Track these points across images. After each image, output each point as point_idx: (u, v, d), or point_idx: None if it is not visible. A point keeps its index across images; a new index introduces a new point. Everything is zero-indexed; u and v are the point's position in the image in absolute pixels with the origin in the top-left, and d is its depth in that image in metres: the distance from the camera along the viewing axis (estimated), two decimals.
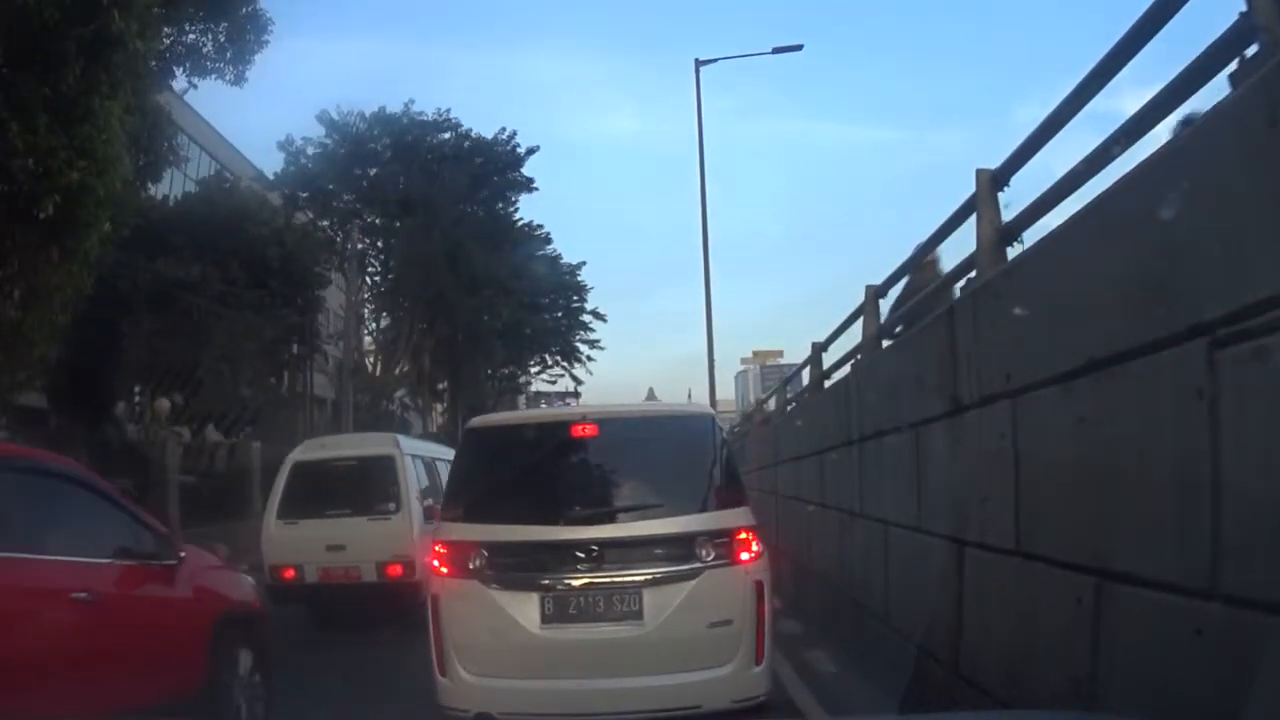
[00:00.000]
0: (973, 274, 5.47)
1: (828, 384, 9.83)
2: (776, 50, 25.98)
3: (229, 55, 17.17)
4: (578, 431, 5.59)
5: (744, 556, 5.27)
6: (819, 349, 10.06)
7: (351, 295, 25.63)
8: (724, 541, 5.25)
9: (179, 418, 22.20)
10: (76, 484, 5.01)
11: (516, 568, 5.24)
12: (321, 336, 25.65)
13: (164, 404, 18.52)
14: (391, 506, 9.74)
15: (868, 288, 7.44)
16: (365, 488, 9.95)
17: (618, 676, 5.09)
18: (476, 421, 6.22)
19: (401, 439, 11.09)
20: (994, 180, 5.35)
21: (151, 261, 20.13)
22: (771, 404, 15.02)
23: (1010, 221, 5.14)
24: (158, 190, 20.95)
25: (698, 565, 5.19)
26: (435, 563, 5.45)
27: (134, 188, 13.69)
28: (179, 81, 18.00)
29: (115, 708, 4.35)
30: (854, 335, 8.99)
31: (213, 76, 17.46)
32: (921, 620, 5.48)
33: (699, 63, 25.23)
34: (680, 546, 5.24)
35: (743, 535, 5.32)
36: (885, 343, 7.29)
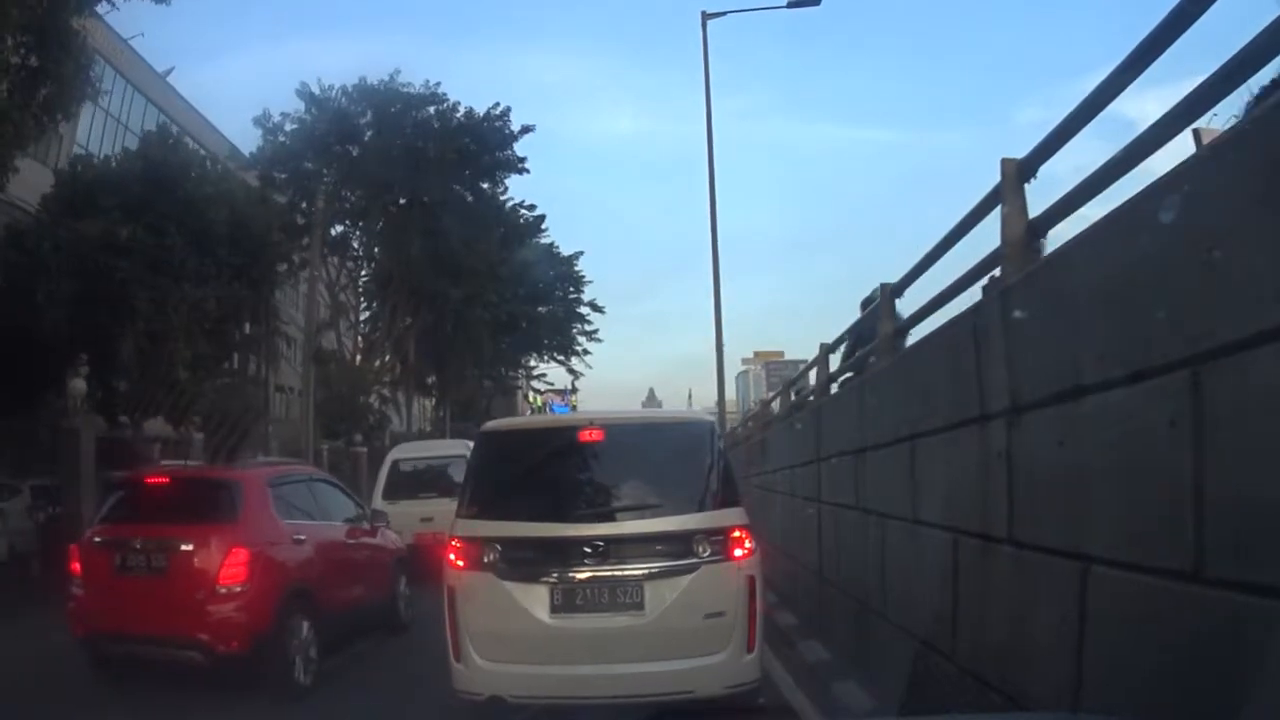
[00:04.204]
0: None
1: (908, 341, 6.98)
2: (792, 4, 23.65)
3: None
4: (585, 436, 5.95)
5: (738, 553, 5.62)
6: (891, 292, 7.02)
7: (315, 270, 22.81)
8: (719, 539, 5.59)
9: (118, 405, 19.36)
10: (330, 484, 10.13)
11: (528, 562, 5.58)
12: (282, 317, 22.79)
13: (79, 385, 15.69)
14: None
15: (1004, 161, 4.47)
16: (448, 478, 13.64)
17: (620, 663, 5.43)
18: (490, 425, 6.75)
19: (472, 444, 14.95)
20: None
21: (76, 221, 17.43)
22: (812, 378, 11.89)
23: None
24: (78, 133, 18.25)
25: (695, 561, 5.53)
26: (451, 556, 5.74)
27: (13, 106, 11.09)
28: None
29: (365, 600, 9.30)
30: (946, 272, 6.19)
31: None
32: None
33: (705, 16, 22.76)
34: (679, 543, 5.57)
35: (736, 533, 5.67)
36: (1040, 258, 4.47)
